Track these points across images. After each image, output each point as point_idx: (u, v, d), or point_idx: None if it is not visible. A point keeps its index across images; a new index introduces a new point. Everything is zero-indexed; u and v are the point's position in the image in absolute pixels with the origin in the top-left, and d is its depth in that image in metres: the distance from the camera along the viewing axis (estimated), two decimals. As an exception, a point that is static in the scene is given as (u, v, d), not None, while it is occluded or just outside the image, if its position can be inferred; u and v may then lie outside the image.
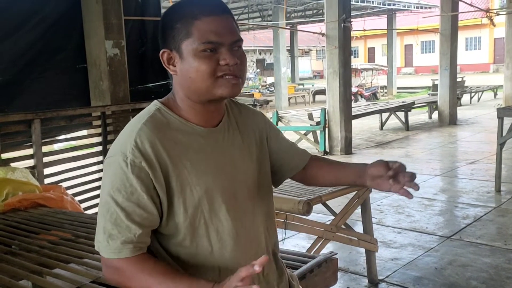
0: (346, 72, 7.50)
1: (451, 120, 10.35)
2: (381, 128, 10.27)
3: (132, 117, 4.58)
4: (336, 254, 1.75)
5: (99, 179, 4.37)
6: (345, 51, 7.45)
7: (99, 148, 4.39)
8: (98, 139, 4.43)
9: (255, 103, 5.32)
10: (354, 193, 2.81)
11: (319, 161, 1.29)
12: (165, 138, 1.02)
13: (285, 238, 2.58)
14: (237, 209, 1.09)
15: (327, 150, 7.66)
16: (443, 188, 5.37)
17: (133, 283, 0.99)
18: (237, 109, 1.19)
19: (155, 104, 1.09)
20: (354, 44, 37.62)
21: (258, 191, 1.15)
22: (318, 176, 1.28)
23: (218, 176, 1.06)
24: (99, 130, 4.41)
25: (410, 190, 1.08)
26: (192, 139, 1.06)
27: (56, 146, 5.38)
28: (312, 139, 8.06)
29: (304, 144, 8.20)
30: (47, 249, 1.95)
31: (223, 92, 1.03)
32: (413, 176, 1.07)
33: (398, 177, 1.07)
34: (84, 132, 4.67)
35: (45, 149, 4.38)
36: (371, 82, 19.56)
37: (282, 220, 2.46)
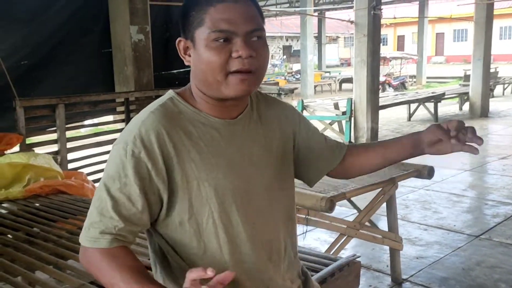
0: (374, 61, 7.30)
1: (483, 113, 10.02)
2: (409, 119, 10.03)
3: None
4: (360, 256, 1.67)
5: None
6: (374, 40, 7.25)
7: (122, 134, 4.38)
8: (122, 125, 4.43)
9: (280, 92, 5.23)
10: (379, 189, 2.70)
11: (356, 149, 1.20)
12: (173, 129, 0.95)
13: (306, 232, 2.50)
14: (250, 210, 1.00)
15: (352, 140, 7.52)
16: (472, 184, 5.19)
17: (100, 276, 0.93)
18: (264, 101, 1.11)
19: (169, 94, 1.03)
20: (383, 31, 36.87)
21: (277, 192, 1.06)
22: (360, 164, 1.19)
23: (230, 173, 0.98)
24: (123, 116, 4.40)
25: (475, 145, 1.00)
26: (205, 131, 0.98)
27: (83, 130, 5.41)
28: (337, 129, 7.91)
29: (328, 134, 8.07)
30: (64, 239, 1.93)
31: (230, 92, 0.95)
32: (473, 130, 1.01)
33: (458, 135, 1.00)
34: (108, 118, 4.68)
35: (69, 134, 4.42)
36: (400, 71, 19.13)
37: (304, 216, 2.39)
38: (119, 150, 0.94)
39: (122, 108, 4.36)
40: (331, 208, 2.18)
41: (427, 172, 2.76)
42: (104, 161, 4.21)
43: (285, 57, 31.40)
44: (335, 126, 7.99)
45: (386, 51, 25.47)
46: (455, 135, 1.00)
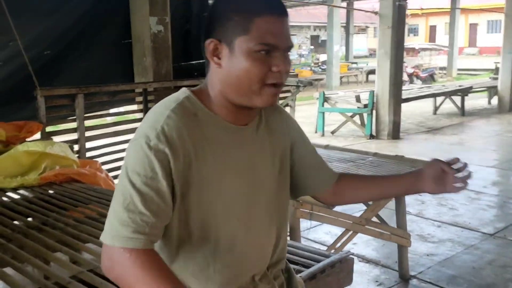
0: (398, 54, 7.18)
1: (511, 107, 9.74)
2: (434, 113, 9.84)
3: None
4: (353, 254, 1.68)
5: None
6: (399, 32, 7.12)
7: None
8: (140, 115, 4.51)
9: (298, 84, 5.17)
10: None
11: (352, 178, 1.21)
12: (192, 128, 0.96)
13: (310, 228, 2.52)
14: (250, 217, 1.03)
15: (374, 134, 7.44)
16: (493, 181, 5.08)
17: (130, 279, 0.89)
18: (271, 110, 1.11)
19: (184, 92, 1.01)
20: (414, 21, 36.16)
21: (274, 201, 1.08)
22: (353, 193, 1.21)
23: (237, 178, 1.01)
24: (141, 107, 4.48)
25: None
26: (218, 133, 0.99)
27: (109, 119, 5.52)
28: (359, 122, 7.84)
29: (349, 127, 8.02)
30: (71, 227, 2.00)
31: (262, 102, 0.97)
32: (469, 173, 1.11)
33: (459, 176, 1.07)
34: (127, 108, 4.78)
35: (93, 122, 4.53)
36: (429, 63, 18.71)
37: (307, 211, 2.40)
38: (142, 145, 0.92)
39: (140, 99, 4.44)
40: (333, 204, 2.18)
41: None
42: (122, 150, 4.32)
43: (312, 47, 31.12)
44: (357, 119, 7.92)
45: (416, 42, 24.94)
46: (457, 173, 1.06)
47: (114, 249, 0.90)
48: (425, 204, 4.33)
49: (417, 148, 6.66)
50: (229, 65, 0.95)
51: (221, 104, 1.00)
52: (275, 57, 0.95)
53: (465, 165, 1.09)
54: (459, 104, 9.61)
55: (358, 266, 3.13)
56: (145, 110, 4.44)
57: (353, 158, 3.01)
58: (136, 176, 0.91)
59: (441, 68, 19.37)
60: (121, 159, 4.33)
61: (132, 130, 4.45)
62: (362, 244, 3.39)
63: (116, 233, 0.90)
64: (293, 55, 28.97)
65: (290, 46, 0.97)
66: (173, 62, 4.75)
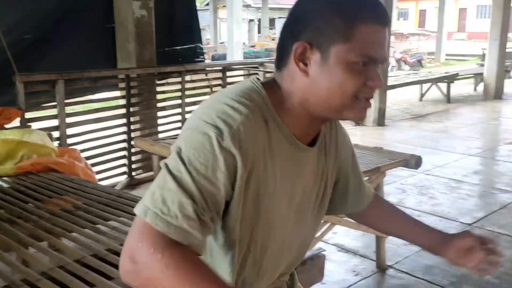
0: (385, 40, 7.16)
1: (497, 94, 9.82)
2: (421, 99, 9.88)
3: (158, 80, 4.51)
4: (325, 250, 1.70)
5: (122, 141, 4.44)
6: (386, 18, 7.09)
7: (123, 110, 4.43)
8: (123, 101, 4.47)
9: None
10: (366, 178, 2.70)
11: (382, 207, 1.17)
12: (263, 136, 0.85)
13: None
14: (290, 236, 0.98)
15: (359, 121, 7.45)
16: (474, 169, 5.14)
17: (164, 277, 0.73)
18: (330, 126, 1.03)
19: (259, 91, 0.87)
20: (404, 5, 36.04)
21: (311, 220, 1.03)
22: (377, 222, 1.19)
23: (291, 198, 0.94)
24: (124, 93, 4.44)
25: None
26: (285, 147, 0.89)
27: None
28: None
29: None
30: (44, 220, 1.99)
31: (354, 116, 0.87)
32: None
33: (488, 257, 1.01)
34: (109, 94, 4.73)
35: (78, 108, 4.48)
36: (417, 48, 18.73)
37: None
38: (212, 140, 0.79)
39: (123, 85, 4.40)
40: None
41: (415, 162, 2.75)
42: (105, 137, 4.29)
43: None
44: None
45: (406, 27, 24.90)
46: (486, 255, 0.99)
47: (162, 238, 0.74)
48: (406, 193, 4.37)
49: (402, 136, 6.71)
50: (319, 74, 0.84)
51: (296, 115, 0.89)
52: (371, 70, 0.84)
53: (497, 248, 1.00)
54: (445, 90, 9.66)
55: (337, 255, 3.17)
56: (128, 96, 4.40)
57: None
58: (195, 173, 0.78)
59: (429, 53, 19.42)
60: (104, 145, 4.30)
61: (115, 117, 4.42)
62: (342, 234, 3.43)
63: (175, 222, 0.75)
64: (282, 37, 28.80)
65: (386, 59, 0.89)
66: (157, 47, 4.70)
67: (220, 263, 0.91)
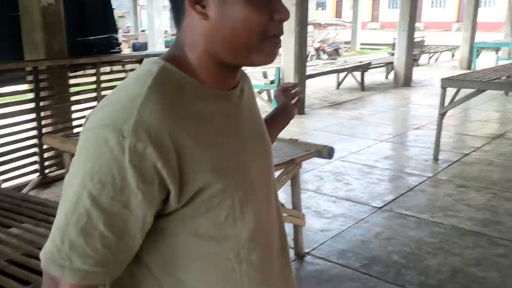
0: (302, 31, 7.34)
1: (406, 82, 10.46)
2: (338, 88, 10.28)
3: (70, 73, 4.25)
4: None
5: (32, 137, 4.20)
6: (303, 9, 7.26)
7: (32, 105, 4.18)
8: (31, 95, 4.22)
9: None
10: (281, 170, 2.79)
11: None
12: (181, 109, 0.73)
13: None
14: (256, 199, 0.84)
15: (280, 109, 7.61)
16: (385, 155, 5.46)
17: None
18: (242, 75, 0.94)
19: (156, 63, 0.77)
20: (322, -5, 37.02)
21: (270, 174, 0.93)
22: None
23: (246, 153, 0.82)
24: (32, 86, 4.18)
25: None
26: (216, 107, 0.79)
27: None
28: (266, 98, 7.98)
29: (257, 103, 8.12)
30: None
31: (264, 59, 0.78)
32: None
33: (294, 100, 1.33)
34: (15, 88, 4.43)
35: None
36: (334, 38, 19.39)
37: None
38: (108, 141, 0.67)
39: (31, 78, 4.14)
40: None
41: (327, 152, 2.87)
42: (10, 134, 4.02)
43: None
44: (264, 94, 8.05)
45: (324, 17, 25.68)
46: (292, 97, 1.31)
47: (62, 284, 0.70)
48: (323, 180, 4.56)
49: (321, 124, 6.95)
50: (220, 14, 0.75)
51: (207, 68, 0.79)
52: (275, 2, 0.77)
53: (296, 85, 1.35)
54: (359, 79, 10.12)
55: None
56: (36, 90, 4.16)
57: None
58: (99, 186, 0.67)
59: (346, 43, 20.18)
60: (11, 143, 4.04)
61: (23, 112, 4.16)
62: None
63: (72, 265, 0.68)
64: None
65: None
66: (67, 37, 4.47)
67: (202, 269, 0.80)
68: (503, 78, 5.10)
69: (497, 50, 13.84)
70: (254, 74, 8.08)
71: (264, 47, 0.78)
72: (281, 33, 0.79)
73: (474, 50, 13.04)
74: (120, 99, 0.72)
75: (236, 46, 0.77)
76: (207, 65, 0.79)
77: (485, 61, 12.90)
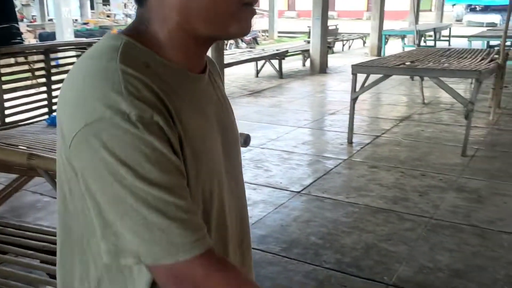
0: (218, 19, 7.31)
1: (321, 69, 10.80)
2: (257, 76, 10.39)
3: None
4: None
5: None
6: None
7: None
8: None
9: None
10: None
11: None
12: (158, 82, 0.70)
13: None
14: (231, 181, 0.85)
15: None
16: (303, 140, 5.62)
17: None
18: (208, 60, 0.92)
19: (117, 38, 0.72)
20: (239, -17, 37.11)
21: (238, 156, 0.93)
22: None
23: (218, 136, 0.82)
24: None
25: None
26: (185, 86, 0.75)
27: None
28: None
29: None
30: None
31: (240, 29, 0.74)
32: None
33: None
34: None
35: None
36: (253, 26, 19.55)
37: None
38: (117, 125, 0.63)
39: None
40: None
41: (243, 140, 2.88)
42: None
43: (139, 6, 29.77)
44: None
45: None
46: None
47: (183, 265, 0.66)
48: (244, 168, 4.58)
49: (241, 112, 6.98)
50: None
51: (177, 45, 0.75)
52: None
53: None
54: (277, 67, 10.29)
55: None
56: None
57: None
58: (141, 167, 0.64)
59: (264, 31, 20.43)
60: None
61: None
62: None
63: (174, 249, 0.65)
64: (119, 14, 27.45)
65: None
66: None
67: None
68: (407, 63, 5.43)
69: (403, 37, 14.69)
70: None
71: (241, 15, 0.73)
72: (256, 1, 0.76)
73: (382, 37, 13.74)
74: (96, 81, 0.67)
75: (213, 14, 0.72)
76: (178, 40, 0.74)
77: (393, 47, 13.66)
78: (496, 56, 5.91)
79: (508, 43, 9.48)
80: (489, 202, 3.76)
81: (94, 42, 4.34)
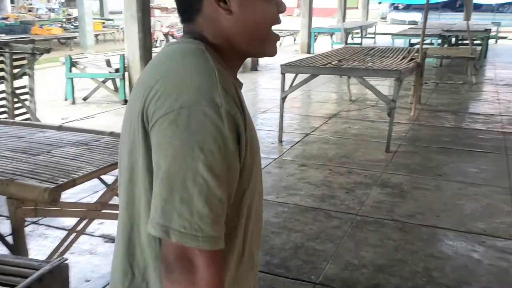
0: (145, 17, 7.12)
1: (253, 66, 10.88)
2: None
3: None
4: (67, 259, 1.61)
5: None
6: (144, -6, 7.03)
7: None
8: None
9: (34, 52, 4.57)
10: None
11: None
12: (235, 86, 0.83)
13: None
14: (261, 184, 0.96)
15: (127, 98, 7.33)
16: (234, 139, 5.61)
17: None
18: None
19: (197, 42, 0.84)
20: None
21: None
22: None
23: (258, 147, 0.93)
24: None
25: None
26: (240, 94, 0.86)
27: None
28: (112, 88, 7.61)
29: (103, 93, 7.72)
30: None
31: (272, 50, 0.90)
32: None
33: None
34: None
35: None
36: (184, 22, 19.29)
37: (32, 208, 2.21)
38: (206, 113, 0.73)
39: None
40: (56, 200, 2.05)
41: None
42: None
43: (64, 1, 28.47)
44: (109, 84, 7.67)
45: (168, 1, 25.25)
46: None
47: (205, 255, 0.75)
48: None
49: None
50: (242, 9, 0.84)
51: (226, 57, 0.87)
52: None
53: None
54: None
55: (103, 247, 3.09)
56: None
57: (87, 140, 2.87)
58: (211, 156, 0.73)
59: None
60: None
61: None
62: (110, 223, 3.35)
63: (200, 234, 0.73)
64: (41, 8, 26.03)
65: None
66: None
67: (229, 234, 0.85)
68: (334, 63, 5.58)
69: (331, 34, 15.12)
70: (97, 63, 7.65)
71: (272, 38, 0.89)
72: (280, 22, 0.90)
73: (312, 35, 14.05)
74: (197, 74, 0.77)
75: (255, 37, 0.87)
76: (227, 54, 0.87)
77: (322, 45, 14.03)
78: (416, 54, 6.23)
79: (427, 41, 10.01)
80: (409, 197, 3.95)
81: (9, 42, 4.05)
